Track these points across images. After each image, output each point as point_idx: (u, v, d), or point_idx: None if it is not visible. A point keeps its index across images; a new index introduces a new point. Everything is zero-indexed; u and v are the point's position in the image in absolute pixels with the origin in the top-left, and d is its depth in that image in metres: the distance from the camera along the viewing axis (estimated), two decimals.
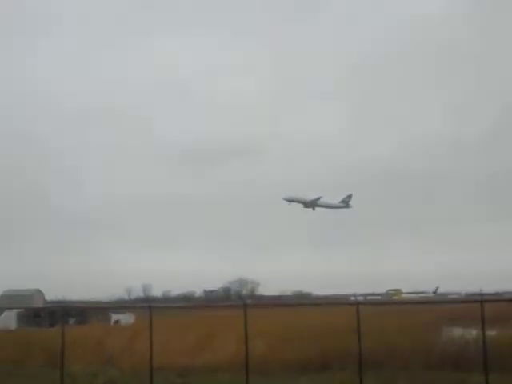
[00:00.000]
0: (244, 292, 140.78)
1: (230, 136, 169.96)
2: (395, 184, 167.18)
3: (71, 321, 43.05)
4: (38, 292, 69.97)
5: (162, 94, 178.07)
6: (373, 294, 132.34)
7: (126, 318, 53.32)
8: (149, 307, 20.03)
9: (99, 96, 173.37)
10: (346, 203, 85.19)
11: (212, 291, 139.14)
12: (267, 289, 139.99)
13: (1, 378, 21.60)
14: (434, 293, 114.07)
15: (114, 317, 54.20)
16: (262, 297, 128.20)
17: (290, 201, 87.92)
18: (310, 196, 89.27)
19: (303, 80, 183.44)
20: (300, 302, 74.08)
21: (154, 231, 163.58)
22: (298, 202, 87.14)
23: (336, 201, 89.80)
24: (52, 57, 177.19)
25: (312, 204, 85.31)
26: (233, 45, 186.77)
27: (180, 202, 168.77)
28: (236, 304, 33.70)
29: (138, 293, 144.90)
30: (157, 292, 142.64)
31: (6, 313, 48.57)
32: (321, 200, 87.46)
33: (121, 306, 79.42)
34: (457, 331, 29.20)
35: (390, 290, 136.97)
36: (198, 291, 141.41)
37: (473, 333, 23.77)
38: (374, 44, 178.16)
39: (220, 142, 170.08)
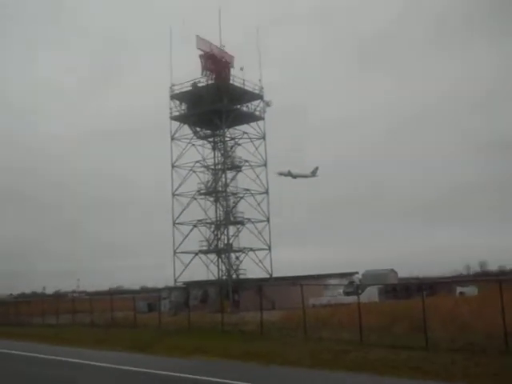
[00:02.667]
0: None
1: None
2: None
3: (424, 294, 42.44)
4: (392, 271, 70.77)
5: None
6: None
7: (470, 291, 51.16)
8: (498, 280, 18.82)
9: None
10: (313, 173, 72.96)
11: None
12: None
13: (374, 339, 22.11)
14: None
15: (459, 289, 52.39)
16: None
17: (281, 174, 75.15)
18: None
19: None
20: None
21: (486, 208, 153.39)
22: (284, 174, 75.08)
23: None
24: None
25: (290, 174, 73.02)
26: None
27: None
28: None
29: (475, 268, 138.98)
30: (492, 267, 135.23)
31: (368, 288, 49.69)
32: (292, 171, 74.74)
33: (465, 279, 76.30)
34: None
35: None
36: None
37: None
38: None
39: None
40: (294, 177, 70.72)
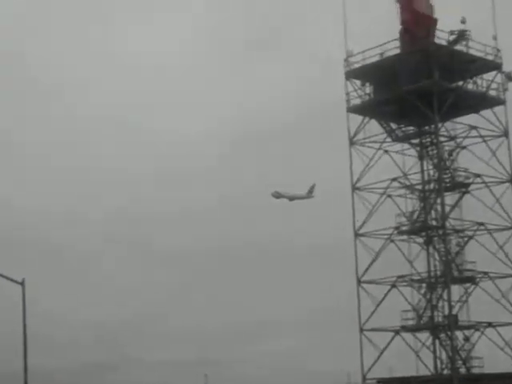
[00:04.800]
0: None
1: None
2: None
3: None
4: None
5: None
6: None
7: None
8: None
9: None
10: (309, 193, 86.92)
11: None
12: None
13: None
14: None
15: None
16: None
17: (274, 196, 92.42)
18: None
19: None
20: None
21: None
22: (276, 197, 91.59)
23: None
24: None
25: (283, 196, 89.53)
26: None
27: None
28: None
29: None
30: None
31: None
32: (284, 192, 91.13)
33: None
34: None
35: None
36: None
37: None
38: None
39: None
40: (291, 199, 79.05)
